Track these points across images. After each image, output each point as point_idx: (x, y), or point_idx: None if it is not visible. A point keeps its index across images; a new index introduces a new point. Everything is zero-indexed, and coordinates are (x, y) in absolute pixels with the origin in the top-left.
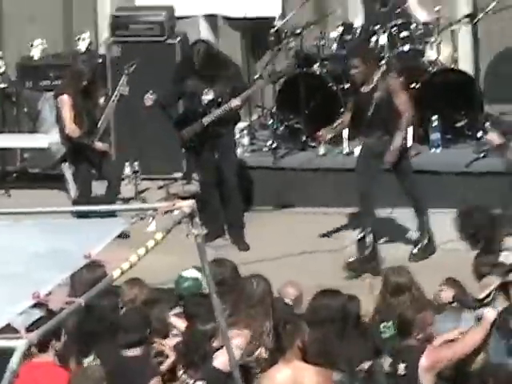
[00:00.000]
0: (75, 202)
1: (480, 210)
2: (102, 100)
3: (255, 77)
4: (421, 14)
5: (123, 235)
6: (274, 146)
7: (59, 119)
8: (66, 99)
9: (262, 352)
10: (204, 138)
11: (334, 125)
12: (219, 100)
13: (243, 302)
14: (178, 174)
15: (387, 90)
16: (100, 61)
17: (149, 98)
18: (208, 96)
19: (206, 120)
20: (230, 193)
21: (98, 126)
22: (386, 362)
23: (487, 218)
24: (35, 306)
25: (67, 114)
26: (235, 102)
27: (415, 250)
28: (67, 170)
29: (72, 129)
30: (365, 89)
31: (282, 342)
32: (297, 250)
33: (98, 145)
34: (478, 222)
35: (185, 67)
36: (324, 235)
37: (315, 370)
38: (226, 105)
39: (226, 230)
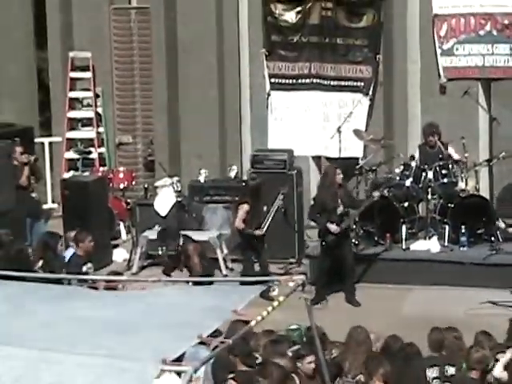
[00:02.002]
0: (242, 275)
1: None
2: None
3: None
4: (456, 156)
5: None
6: (357, 243)
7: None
8: (245, 206)
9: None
10: (340, 236)
11: None
12: (346, 210)
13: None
14: (293, 260)
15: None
16: (244, 184)
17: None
18: (340, 209)
19: (346, 224)
20: (349, 269)
21: (262, 225)
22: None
23: None
24: (200, 343)
25: (241, 215)
26: (377, 193)
27: None
28: (220, 254)
29: (238, 224)
30: None
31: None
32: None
33: (256, 232)
34: None
35: (323, 193)
36: None
37: None
38: (369, 199)
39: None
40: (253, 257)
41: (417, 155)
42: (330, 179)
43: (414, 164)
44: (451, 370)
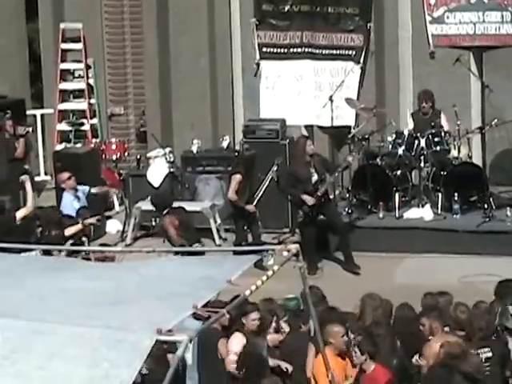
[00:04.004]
0: (235, 245)
1: None
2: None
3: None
4: (447, 126)
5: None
6: (350, 211)
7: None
8: (238, 177)
9: None
10: (318, 203)
11: None
12: (321, 178)
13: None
14: (286, 230)
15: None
16: (236, 154)
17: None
18: (314, 177)
19: (322, 191)
20: (342, 233)
21: (255, 195)
22: None
23: None
24: (195, 313)
25: (233, 186)
26: (350, 158)
27: None
28: (213, 225)
29: (230, 195)
30: None
31: None
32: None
33: (248, 207)
34: None
35: (295, 164)
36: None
37: None
38: (344, 163)
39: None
40: (245, 227)
41: (411, 123)
42: (301, 150)
43: (406, 132)
44: None
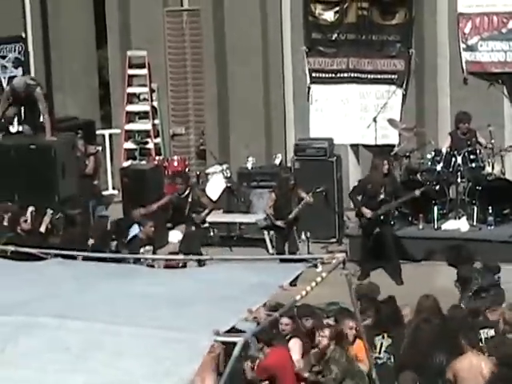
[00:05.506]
0: (278, 253)
1: None
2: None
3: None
4: (485, 142)
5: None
6: (392, 223)
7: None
8: (272, 195)
9: None
10: (376, 220)
11: None
12: (387, 198)
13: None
14: (334, 240)
15: None
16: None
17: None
18: (381, 196)
19: (383, 210)
20: (388, 251)
21: (292, 214)
22: None
23: None
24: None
25: (268, 203)
26: (418, 191)
27: None
28: (266, 235)
29: (267, 211)
30: None
31: None
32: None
33: (278, 222)
34: None
35: (368, 179)
36: None
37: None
38: (410, 194)
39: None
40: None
41: (448, 141)
42: (376, 169)
43: (444, 150)
44: (491, 332)
